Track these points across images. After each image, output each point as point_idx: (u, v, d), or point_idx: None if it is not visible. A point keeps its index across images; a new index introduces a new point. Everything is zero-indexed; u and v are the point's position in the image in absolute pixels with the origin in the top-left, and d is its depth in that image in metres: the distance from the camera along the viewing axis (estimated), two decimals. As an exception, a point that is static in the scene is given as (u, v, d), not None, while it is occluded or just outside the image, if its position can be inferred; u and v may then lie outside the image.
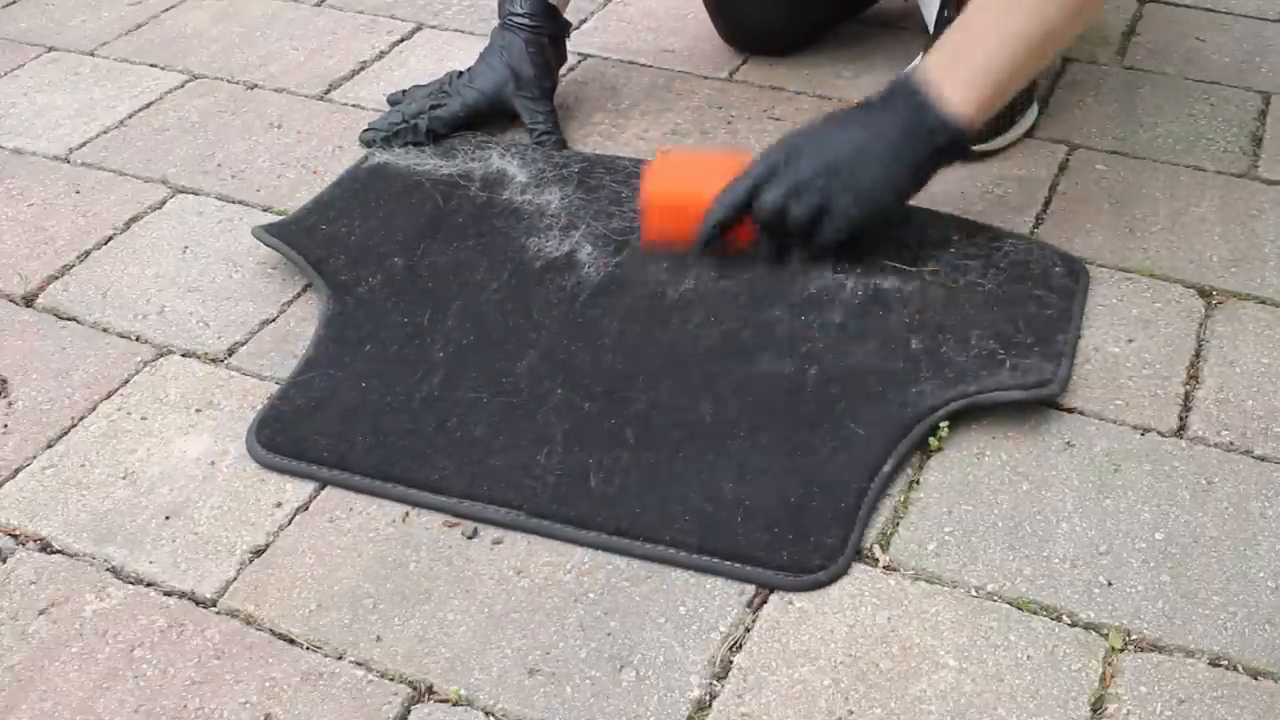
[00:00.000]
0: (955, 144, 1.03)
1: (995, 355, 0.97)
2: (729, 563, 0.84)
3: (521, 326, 1.02)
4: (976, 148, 1.22)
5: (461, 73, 1.30)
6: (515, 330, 1.02)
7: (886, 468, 0.89)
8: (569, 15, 1.32)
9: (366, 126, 1.29)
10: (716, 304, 1.03)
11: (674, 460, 0.91)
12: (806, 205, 1.02)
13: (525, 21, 1.28)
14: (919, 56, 1.33)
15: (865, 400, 0.94)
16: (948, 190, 1.19)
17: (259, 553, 0.87)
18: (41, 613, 0.83)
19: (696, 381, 0.96)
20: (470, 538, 0.87)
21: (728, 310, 1.03)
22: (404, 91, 1.32)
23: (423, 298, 1.05)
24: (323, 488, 0.91)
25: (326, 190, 1.20)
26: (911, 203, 1.16)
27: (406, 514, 0.89)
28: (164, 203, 1.22)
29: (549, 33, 1.29)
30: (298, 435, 0.94)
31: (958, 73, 1.01)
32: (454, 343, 1.01)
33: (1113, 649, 0.79)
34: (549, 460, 0.91)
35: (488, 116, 1.28)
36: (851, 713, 0.76)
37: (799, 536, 0.85)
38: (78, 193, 1.24)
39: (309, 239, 1.12)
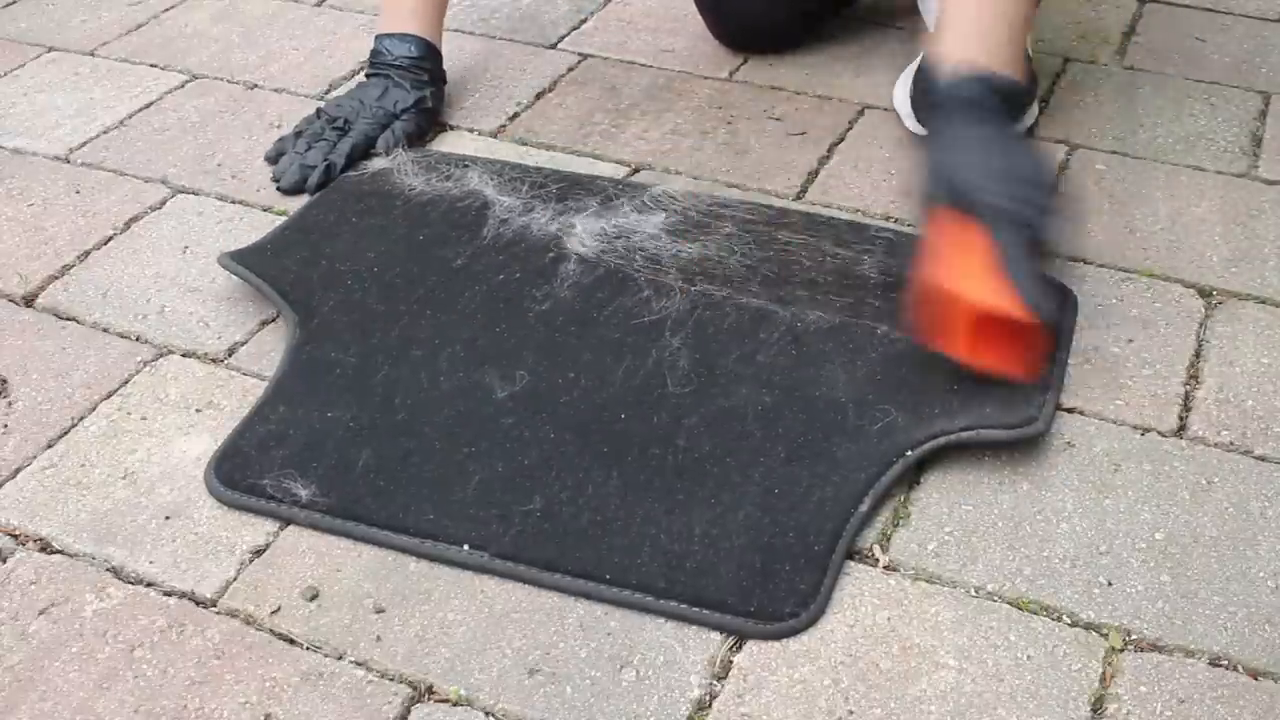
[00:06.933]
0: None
1: (977, 389, 0.93)
2: (696, 609, 0.80)
3: (493, 354, 0.99)
4: None
5: (320, 112, 1.28)
6: (487, 358, 0.98)
7: (864, 508, 0.86)
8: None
9: (274, 178, 1.23)
10: (693, 331, 1.00)
11: (644, 497, 0.87)
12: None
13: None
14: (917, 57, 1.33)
15: (843, 436, 0.91)
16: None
17: (259, 553, 0.87)
18: (41, 613, 0.83)
19: (670, 413, 0.93)
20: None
21: (705, 338, 1.00)
22: (283, 139, 1.27)
23: (392, 325, 1.02)
24: (323, 488, 0.91)
25: (297, 212, 1.16)
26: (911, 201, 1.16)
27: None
28: (164, 203, 1.22)
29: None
30: (257, 471, 0.90)
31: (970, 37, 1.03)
32: (422, 371, 0.97)
33: (1113, 649, 0.79)
34: (516, 497, 0.87)
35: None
36: (851, 713, 0.76)
37: (770, 581, 0.82)
38: (78, 193, 1.24)
39: (277, 265, 1.08)
